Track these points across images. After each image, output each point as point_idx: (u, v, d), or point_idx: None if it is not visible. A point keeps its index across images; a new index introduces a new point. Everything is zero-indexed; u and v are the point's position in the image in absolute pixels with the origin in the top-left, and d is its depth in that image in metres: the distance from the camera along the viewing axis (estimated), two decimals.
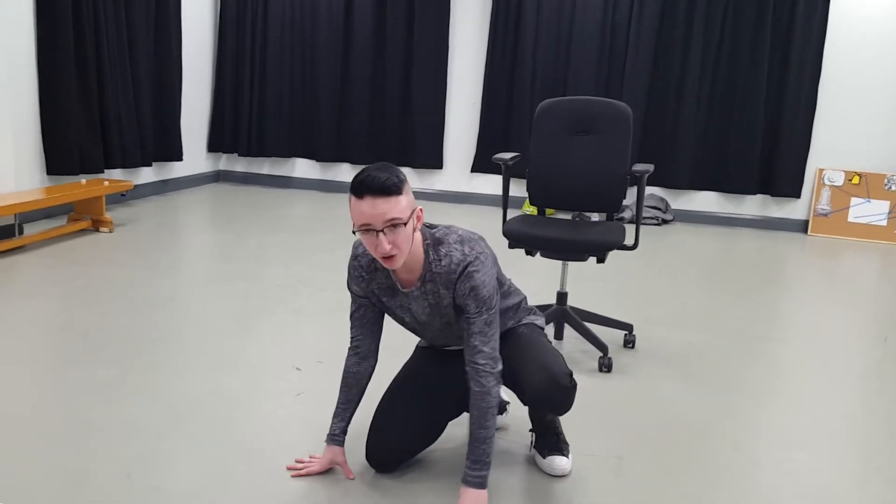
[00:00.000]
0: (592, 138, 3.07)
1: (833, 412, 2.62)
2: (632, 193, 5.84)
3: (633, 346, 3.16)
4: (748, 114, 5.92)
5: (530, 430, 2.18)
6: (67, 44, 4.81)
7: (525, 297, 2.17)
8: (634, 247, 2.99)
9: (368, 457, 2.06)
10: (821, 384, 2.86)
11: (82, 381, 2.51)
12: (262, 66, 6.62)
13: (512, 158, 3.12)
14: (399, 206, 1.70)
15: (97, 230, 4.70)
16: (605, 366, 2.86)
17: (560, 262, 3.11)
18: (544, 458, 2.11)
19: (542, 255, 2.99)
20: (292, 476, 2.01)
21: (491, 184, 6.54)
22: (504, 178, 3.13)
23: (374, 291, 1.96)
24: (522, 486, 2.03)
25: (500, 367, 1.87)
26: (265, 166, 6.96)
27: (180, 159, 6.17)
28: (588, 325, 3.06)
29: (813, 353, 3.21)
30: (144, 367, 2.66)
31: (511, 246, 2.99)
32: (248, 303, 3.45)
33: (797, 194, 5.99)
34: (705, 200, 6.24)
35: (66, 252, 4.17)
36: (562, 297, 3.10)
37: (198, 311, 3.30)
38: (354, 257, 1.96)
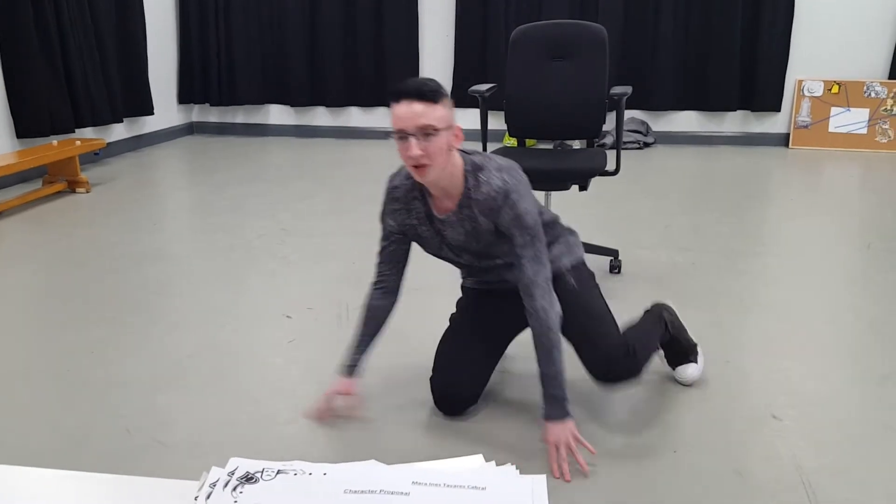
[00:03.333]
0: (569, 63, 3.02)
1: (819, 319, 2.66)
2: (612, 118, 5.79)
3: (619, 271, 3.18)
4: (725, 29, 5.83)
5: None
6: (25, 2, 4.64)
7: (558, 219, 2.10)
8: (616, 172, 2.98)
9: (438, 402, 2.04)
10: (806, 293, 2.90)
11: (75, 341, 2.51)
12: (227, 10, 6.42)
13: (489, 90, 3.08)
14: (434, 113, 1.68)
15: (74, 191, 4.63)
16: None
17: (543, 193, 3.10)
18: (674, 369, 2.19)
19: None
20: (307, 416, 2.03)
21: (470, 118, 6.45)
22: (482, 111, 3.09)
23: (410, 223, 1.92)
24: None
25: (555, 298, 1.82)
26: (239, 115, 6.84)
27: (151, 113, 6.04)
28: None
29: (798, 264, 3.24)
30: (137, 324, 2.66)
31: None
32: (233, 254, 3.44)
33: (777, 108, 5.96)
34: (686, 120, 6.21)
35: (45, 216, 4.11)
36: None
37: (184, 266, 3.28)
38: (391, 188, 1.92)
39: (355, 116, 6.66)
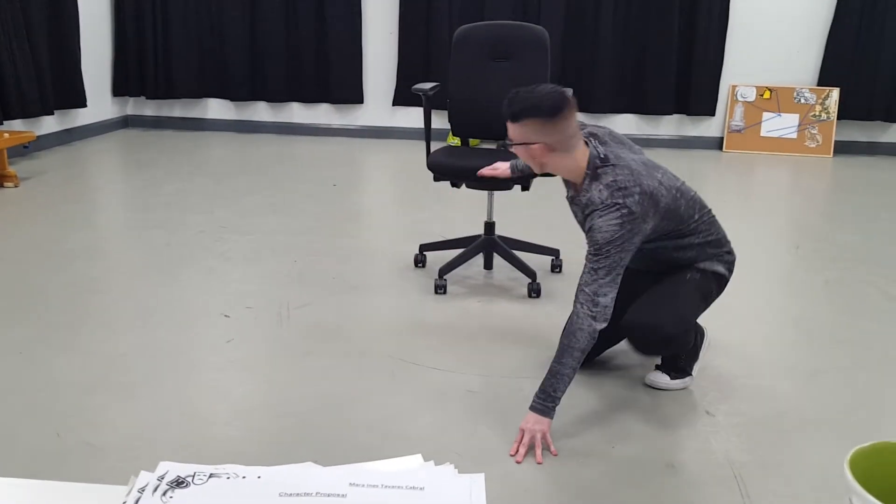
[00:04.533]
0: (511, 64, 3.04)
1: (750, 317, 2.75)
2: None
3: (560, 271, 3.22)
4: (663, 35, 5.97)
5: None
6: None
7: (720, 239, 2.14)
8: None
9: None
10: (738, 293, 2.99)
11: (2, 341, 2.41)
12: (163, 1, 6.25)
13: (432, 89, 3.08)
14: (520, 132, 1.97)
15: (1, 185, 4.44)
16: (534, 291, 2.92)
17: (486, 193, 3.12)
18: (655, 369, 2.23)
19: (467, 186, 2.99)
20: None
21: (414, 117, 6.45)
22: (425, 110, 3.09)
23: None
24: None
25: (597, 317, 1.88)
26: (176, 109, 6.67)
27: (84, 105, 5.84)
28: (516, 252, 3.10)
29: None
30: (67, 323, 2.57)
31: (436, 179, 2.97)
32: (169, 251, 3.35)
33: (712, 112, 6.13)
34: (624, 123, 6.33)
35: None
36: (489, 226, 3.12)
37: (118, 263, 3.18)
38: None
39: (297, 112, 6.57)
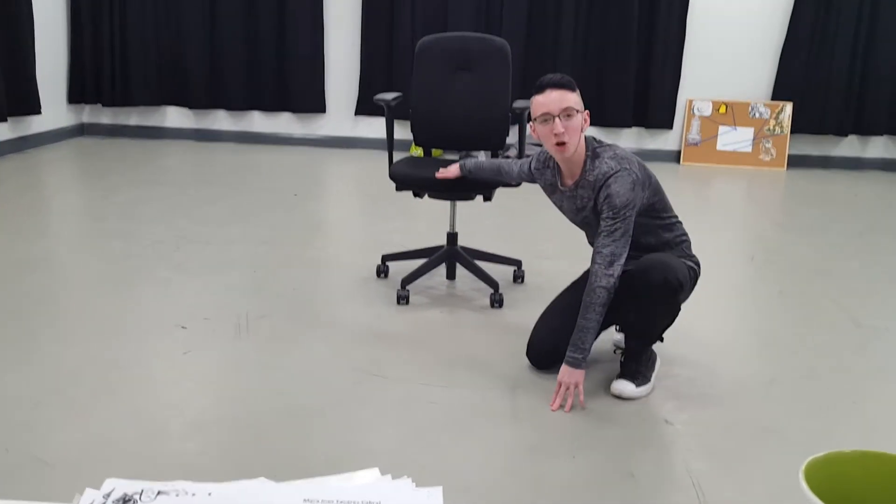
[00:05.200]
0: (473, 75, 3.05)
1: (707, 328, 2.79)
2: (516, 131, 5.90)
3: (522, 281, 3.24)
4: (622, 50, 6.06)
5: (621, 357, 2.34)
6: None
7: (689, 242, 2.35)
8: (519, 184, 3.03)
9: (527, 352, 2.38)
10: (695, 303, 3.03)
11: None
12: (122, 4, 6.15)
13: (394, 99, 3.07)
14: (573, 98, 2.14)
15: None
16: (497, 301, 2.92)
17: (448, 203, 3.12)
18: (618, 379, 2.27)
19: (429, 197, 2.99)
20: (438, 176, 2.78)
21: (377, 127, 6.44)
22: (387, 120, 3.08)
23: (542, 181, 2.39)
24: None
25: (614, 275, 2.09)
26: (133, 116, 6.55)
27: (38, 112, 5.70)
28: (478, 263, 3.10)
29: None
30: (18, 335, 2.49)
31: (398, 188, 2.97)
32: (125, 262, 3.28)
33: (669, 125, 6.24)
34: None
35: None
36: (452, 237, 3.12)
37: (72, 274, 3.10)
38: (538, 154, 2.41)
39: (258, 121, 6.51)
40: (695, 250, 2.42)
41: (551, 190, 2.36)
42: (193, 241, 3.62)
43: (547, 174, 2.36)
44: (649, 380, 2.28)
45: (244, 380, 2.26)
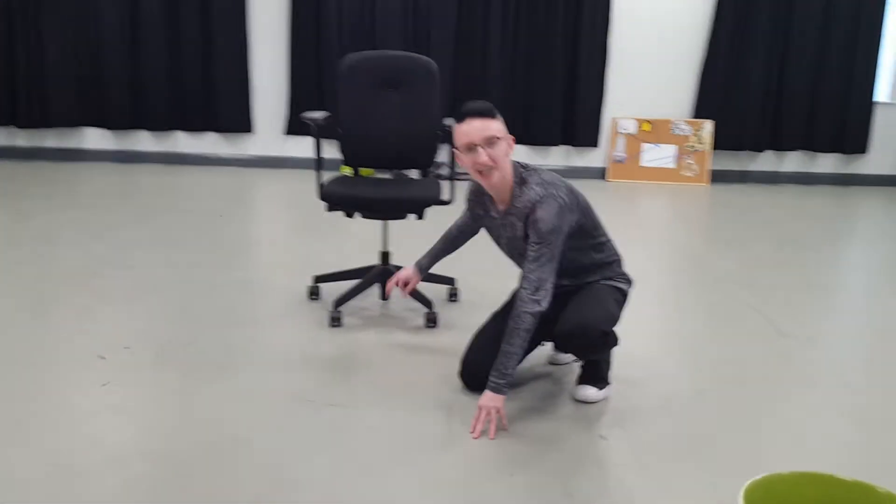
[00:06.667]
0: (401, 94, 3.03)
1: (637, 343, 2.82)
2: (446, 149, 5.92)
3: (456, 299, 3.22)
4: (548, 69, 6.16)
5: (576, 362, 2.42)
6: None
7: (619, 260, 2.36)
8: (451, 202, 3.03)
9: (460, 374, 2.35)
10: (625, 316, 3.07)
11: None
12: (37, 22, 5.90)
13: (324, 118, 3.02)
14: (495, 125, 2.13)
15: None
16: (432, 320, 2.90)
17: (380, 222, 3.08)
18: (576, 385, 2.33)
19: (362, 217, 2.95)
20: (388, 288, 2.68)
21: (307, 146, 6.35)
22: (315, 139, 3.03)
23: (478, 212, 2.39)
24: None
25: (541, 301, 2.08)
26: (50, 138, 6.28)
27: None
28: None
29: None
30: None
31: (330, 209, 2.92)
32: (41, 289, 3.11)
33: (595, 143, 6.37)
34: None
35: None
36: (384, 256, 3.08)
37: None
38: (474, 184, 2.37)
39: (182, 141, 6.33)
40: (622, 265, 2.44)
41: (489, 219, 2.33)
42: (114, 266, 3.47)
43: (483, 200, 2.33)
44: (608, 381, 2.35)
45: (167, 410, 2.16)
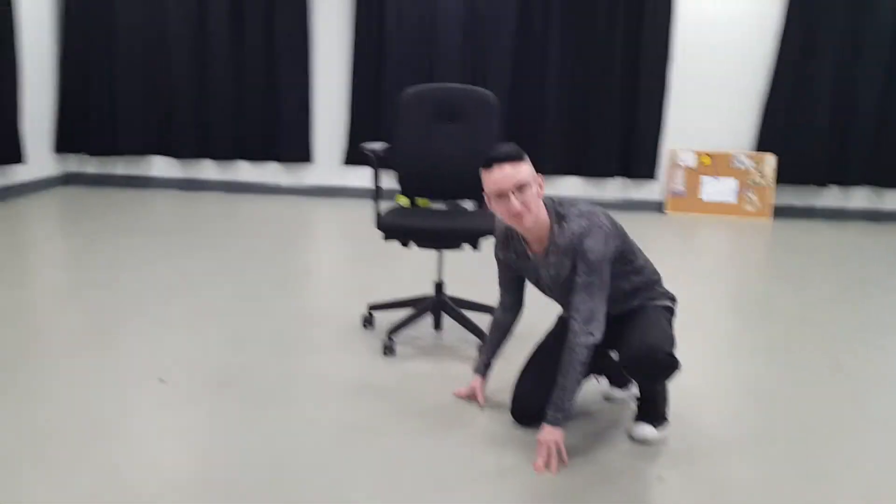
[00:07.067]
0: (459, 126, 3.06)
1: (695, 381, 2.75)
2: None
3: None
4: (606, 100, 6.14)
5: (636, 398, 2.34)
6: None
7: (659, 280, 2.32)
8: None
9: (511, 409, 2.33)
10: (681, 353, 3.00)
11: None
12: (110, 55, 6.18)
13: (383, 149, 3.07)
14: (525, 170, 2.08)
15: None
16: None
17: (435, 252, 3.10)
18: (633, 422, 2.28)
19: (417, 246, 2.97)
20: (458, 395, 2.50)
21: (365, 176, 6.46)
22: (374, 169, 3.08)
23: (513, 258, 2.29)
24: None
25: (594, 333, 2.07)
26: (119, 166, 6.53)
27: (22, 161, 5.67)
28: (465, 312, 3.06)
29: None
30: None
31: (386, 238, 2.95)
32: (105, 313, 3.21)
33: (653, 175, 6.30)
34: (570, 185, 6.44)
35: None
36: (438, 286, 3.09)
37: (50, 326, 3.03)
38: (502, 229, 2.30)
39: (244, 171, 6.51)
40: (681, 302, 2.40)
41: (524, 261, 2.26)
42: (176, 292, 3.56)
43: (515, 244, 2.27)
44: (666, 418, 2.29)
45: (225, 436, 2.20)
